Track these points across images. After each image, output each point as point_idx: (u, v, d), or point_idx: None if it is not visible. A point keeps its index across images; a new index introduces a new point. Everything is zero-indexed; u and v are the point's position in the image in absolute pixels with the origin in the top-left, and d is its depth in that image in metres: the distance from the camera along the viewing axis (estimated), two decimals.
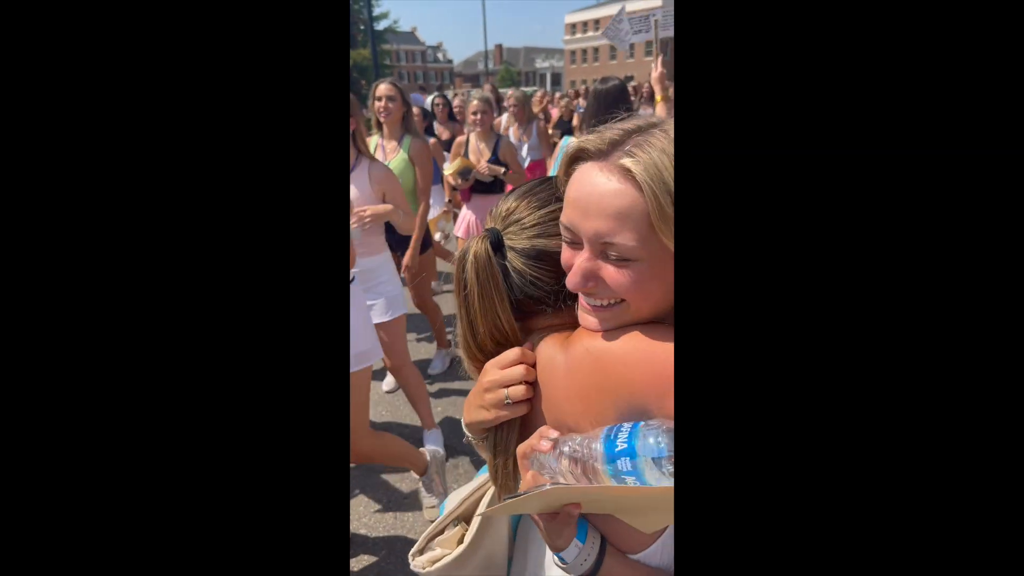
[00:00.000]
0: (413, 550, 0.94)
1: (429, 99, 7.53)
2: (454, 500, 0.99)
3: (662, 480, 0.60)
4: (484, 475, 0.93)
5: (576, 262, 0.68)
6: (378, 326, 2.51)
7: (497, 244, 0.79)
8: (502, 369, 0.76)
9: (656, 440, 0.60)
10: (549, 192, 0.81)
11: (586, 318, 0.72)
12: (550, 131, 6.44)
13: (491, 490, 0.92)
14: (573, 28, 62.50)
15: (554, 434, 0.70)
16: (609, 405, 0.66)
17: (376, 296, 2.63)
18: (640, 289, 0.66)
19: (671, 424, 0.60)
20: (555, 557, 0.74)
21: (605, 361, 0.67)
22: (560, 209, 0.73)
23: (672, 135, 0.64)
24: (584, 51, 60.62)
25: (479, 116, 3.71)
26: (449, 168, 3.74)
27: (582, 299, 0.72)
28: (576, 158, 0.69)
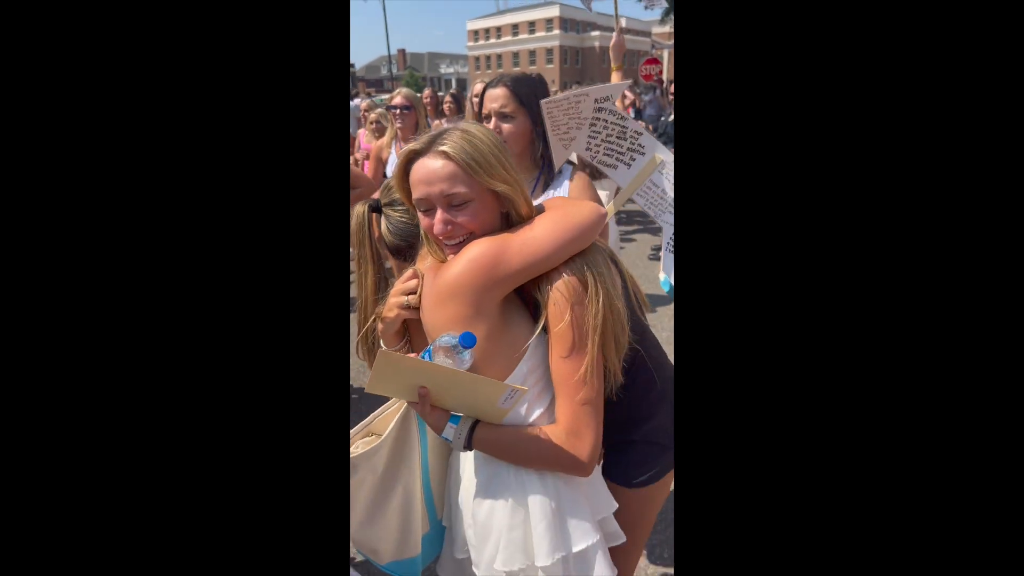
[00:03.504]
0: None
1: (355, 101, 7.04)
2: (370, 417, 1.28)
3: (447, 363, 0.95)
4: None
5: (435, 219, 1.04)
6: None
7: (375, 208, 1.23)
8: (403, 284, 1.15)
9: (439, 339, 0.96)
10: None
11: (450, 255, 1.07)
12: None
13: (403, 407, 1.25)
14: (476, 35, 63.04)
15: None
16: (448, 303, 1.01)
17: None
18: (478, 219, 1.04)
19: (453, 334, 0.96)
20: (443, 439, 1.08)
21: (449, 266, 1.03)
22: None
23: (460, 128, 1.05)
24: (488, 57, 61.28)
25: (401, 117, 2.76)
26: None
27: (446, 247, 1.08)
28: (410, 159, 1.07)
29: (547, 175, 1.82)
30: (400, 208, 1.19)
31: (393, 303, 1.14)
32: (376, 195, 1.27)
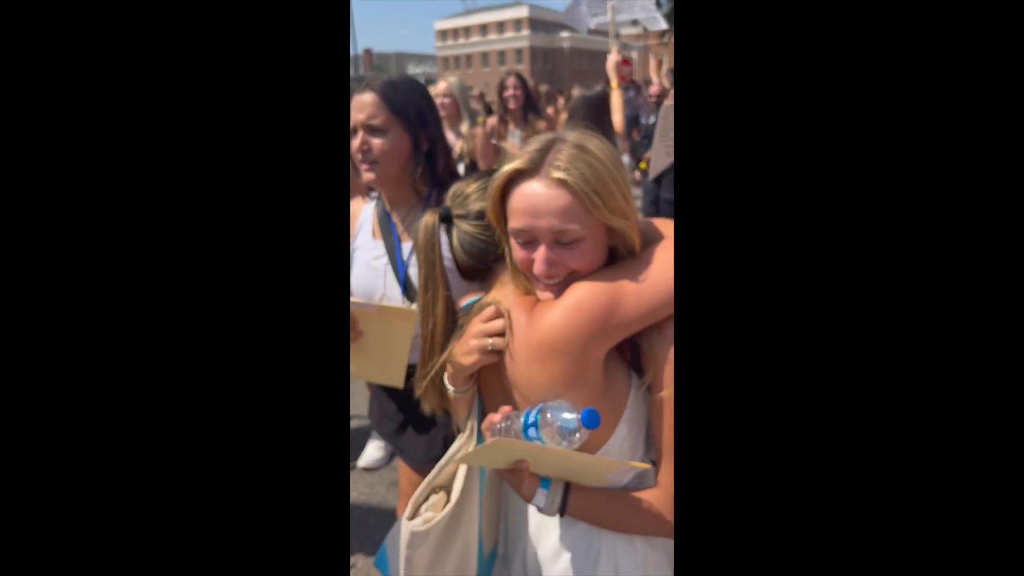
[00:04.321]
0: (406, 514, 1.02)
1: None
2: (433, 470, 1.08)
3: (561, 445, 0.80)
4: (456, 445, 1.08)
5: (537, 255, 0.87)
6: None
7: (446, 217, 1.04)
8: (485, 323, 0.95)
9: (553, 416, 0.81)
10: (480, 173, 1.10)
11: (544, 293, 0.91)
12: None
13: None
14: (444, 35, 62.42)
15: (507, 410, 0.90)
16: (557, 358, 0.85)
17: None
18: (586, 258, 0.88)
19: (564, 405, 0.81)
20: (534, 507, 0.92)
21: (557, 316, 0.86)
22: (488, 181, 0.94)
23: (575, 142, 0.86)
24: (457, 58, 60.73)
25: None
26: None
27: (540, 283, 0.91)
28: (513, 179, 0.88)
29: (437, 197, 1.34)
30: (475, 222, 1.02)
31: (475, 346, 0.95)
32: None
